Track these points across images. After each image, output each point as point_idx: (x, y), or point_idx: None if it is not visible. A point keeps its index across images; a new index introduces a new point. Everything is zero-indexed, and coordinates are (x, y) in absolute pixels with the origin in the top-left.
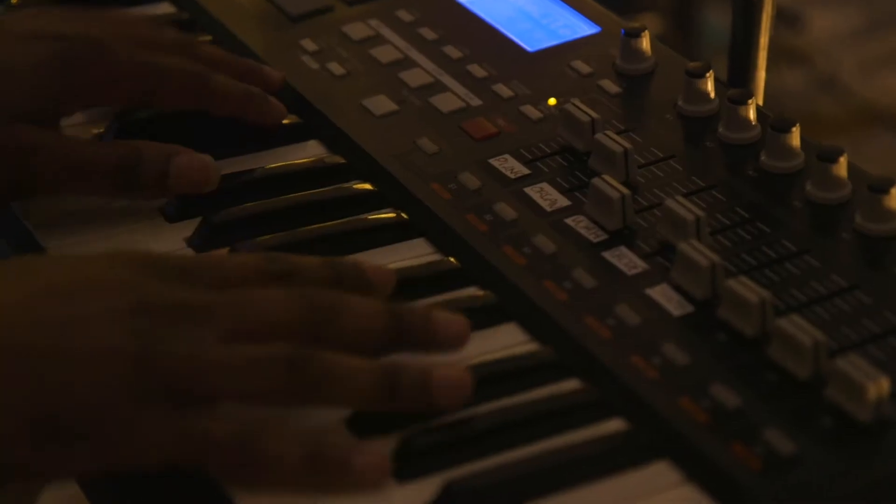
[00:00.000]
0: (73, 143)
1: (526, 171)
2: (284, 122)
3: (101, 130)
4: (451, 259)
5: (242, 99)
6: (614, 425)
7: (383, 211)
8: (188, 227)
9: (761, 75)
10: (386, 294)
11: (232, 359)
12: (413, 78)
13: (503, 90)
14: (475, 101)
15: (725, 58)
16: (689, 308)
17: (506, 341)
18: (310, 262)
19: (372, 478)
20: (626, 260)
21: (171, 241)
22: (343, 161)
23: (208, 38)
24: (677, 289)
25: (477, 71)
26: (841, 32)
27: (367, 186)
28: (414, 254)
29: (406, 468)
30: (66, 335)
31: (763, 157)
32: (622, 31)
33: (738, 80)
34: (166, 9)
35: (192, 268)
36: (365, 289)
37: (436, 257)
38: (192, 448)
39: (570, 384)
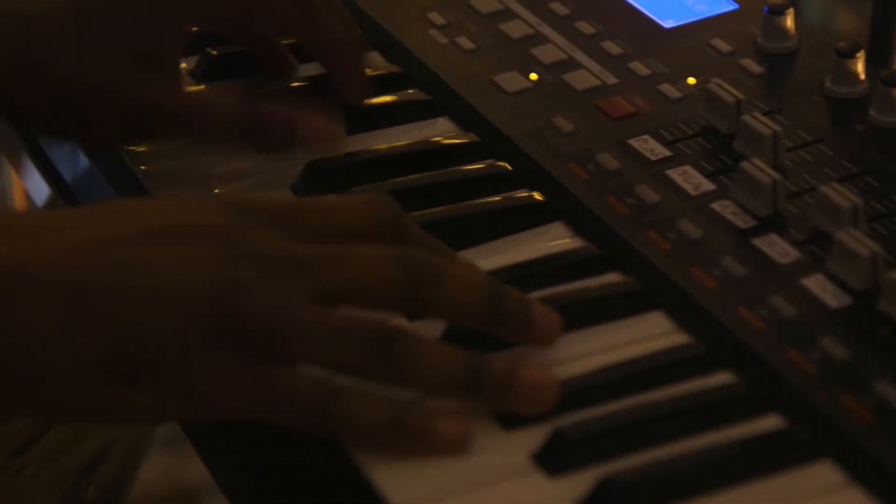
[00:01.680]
0: (195, 98)
1: (667, 152)
2: (415, 97)
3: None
4: (592, 244)
5: (343, 48)
6: (771, 422)
7: (519, 192)
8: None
9: None
10: (547, 343)
11: (320, 324)
12: (545, 54)
13: (640, 68)
14: (611, 80)
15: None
16: (847, 300)
17: (652, 330)
18: (458, 272)
19: (453, 445)
20: (777, 248)
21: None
22: (476, 139)
23: None
24: (833, 279)
25: (611, 48)
26: None
27: (506, 165)
28: (551, 237)
29: (558, 462)
30: (152, 275)
31: None
32: (765, 7)
33: (877, 62)
34: None
35: (289, 215)
36: (526, 332)
37: (574, 241)
38: (270, 400)
39: (723, 377)
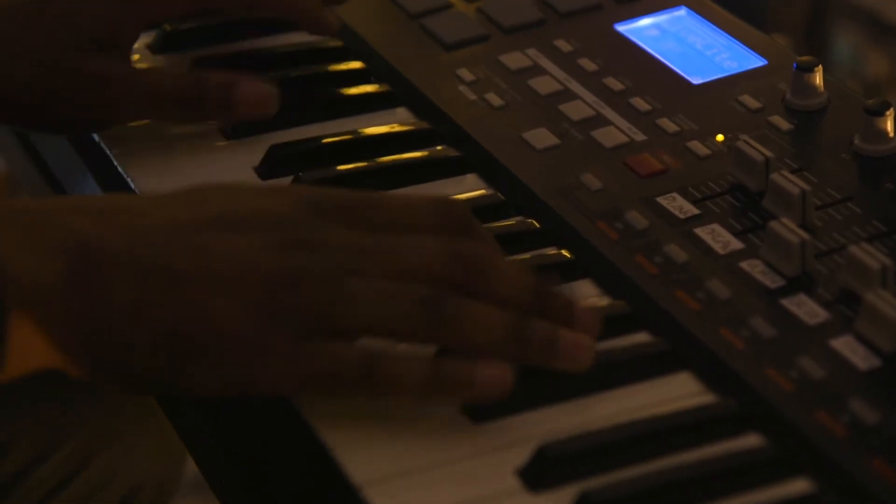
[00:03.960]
0: (141, 72)
1: (695, 210)
2: (443, 154)
3: None
4: (622, 301)
5: (291, 5)
6: (800, 486)
7: (548, 250)
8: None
9: None
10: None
11: (369, 292)
12: (574, 111)
13: (668, 125)
14: (639, 136)
15: (855, 80)
16: (877, 362)
17: (681, 391)
18: (506, 268)
19: (495, 389)
20: (806, 308)
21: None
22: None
23: (358, 64)
24: (862, 340)
25: (640, 104)
26: None
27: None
28: (581, 295)
29: None
30: (216, 261)
31: None
32: (794, 64)
33: None
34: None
35: (353, 206)
36: (567, 322)
37: (602, 299)
38: (319, 374)
39: (751, 439)
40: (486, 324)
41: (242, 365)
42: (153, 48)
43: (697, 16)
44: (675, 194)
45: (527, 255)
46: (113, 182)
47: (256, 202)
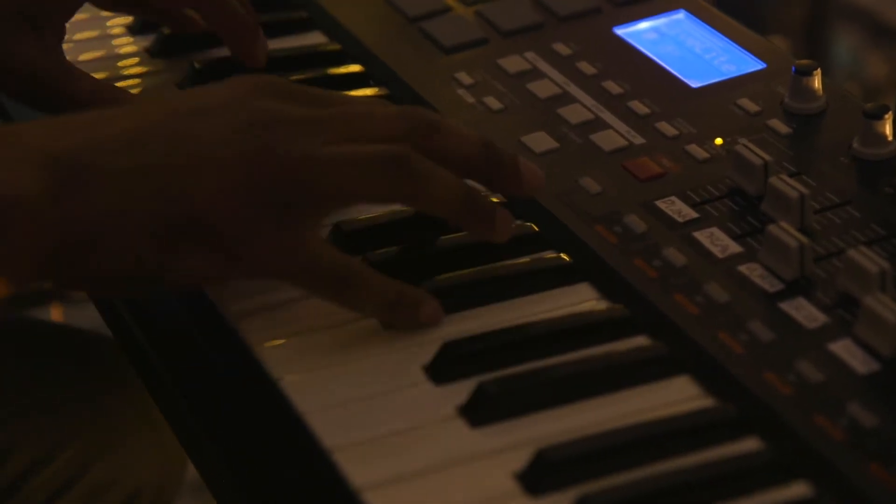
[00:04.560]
0: (71, 75)
1: (694, 214)
2: None
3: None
4: (621, 305)
5: (240, 22)
6: (799, 489)
7: (546, 253)
8: None
9: None
10: (532, 192)
11: (340, 155)
12: (573, 114)
13: (667, 128)
14: (638, 140)
15: (855, 82)
16: (875, 366)
17: (679, 395)
18: (455, 126)
19: (432, 321)
20: (804, 312)
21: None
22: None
23: (357, 68)
24: (861, 344)
25: (639, 107)
26: None
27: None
28: (580, 299)
29: None
30: (192, 151)
31: None
32: (793, 68)
33: None
34: (317, 38)
35: (298, 89)
36: (514, 180)
37: (600, 302)
38: (297, 266)
39: (750, 443)
40: (446, 182)
41: (231, 245)
42: (152, 52)
43: (696, 19)
44: (673, 198)
45: (526, 259)
46: None
47: (214, 93)
